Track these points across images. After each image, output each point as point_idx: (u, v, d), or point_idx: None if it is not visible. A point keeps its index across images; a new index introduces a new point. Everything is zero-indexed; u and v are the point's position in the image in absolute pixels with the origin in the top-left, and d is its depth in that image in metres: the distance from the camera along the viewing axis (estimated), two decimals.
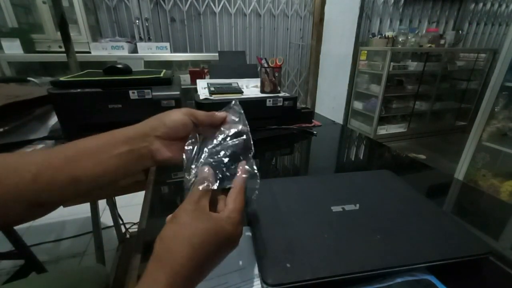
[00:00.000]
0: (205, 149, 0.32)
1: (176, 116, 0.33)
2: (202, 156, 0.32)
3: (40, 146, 0.63)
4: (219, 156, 0.31)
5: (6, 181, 0.25)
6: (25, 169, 0.26)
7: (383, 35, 2.63)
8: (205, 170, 0.29)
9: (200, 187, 0.27)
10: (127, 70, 0.73)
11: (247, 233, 0.38)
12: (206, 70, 1.91)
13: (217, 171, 0.30)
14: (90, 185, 0.29)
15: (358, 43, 2.64)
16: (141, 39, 2.09)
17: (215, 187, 0.28)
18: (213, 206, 0.28)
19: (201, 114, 0.35)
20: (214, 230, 0.25)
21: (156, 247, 0.23)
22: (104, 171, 0.29)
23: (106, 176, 0.30)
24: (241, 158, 0.32)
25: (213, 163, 0.31)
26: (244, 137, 0.34)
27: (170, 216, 0.26)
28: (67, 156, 0.28)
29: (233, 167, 0.31)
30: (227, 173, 0.30)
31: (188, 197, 0.27)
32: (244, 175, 0.30)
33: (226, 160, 0.31)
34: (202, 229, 0.24)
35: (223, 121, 0.37)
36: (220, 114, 0.38)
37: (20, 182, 0.25)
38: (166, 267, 0.22)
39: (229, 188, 0.29)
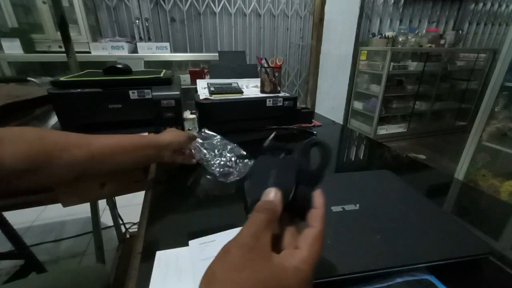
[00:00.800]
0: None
1: (183, 137, 0.54)
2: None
3: None
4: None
5: (77, 153, 0.40)
6: (88, 148, 0.41)
7: (383, 35, 2.63)
8: (272, 193, 0.23)
9: (264, 215, 0.21)
10: (127, 70, 0.73)
11: None
12: (206, 70, 1.91)
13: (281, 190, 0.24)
14: (123, 169, 0.53)
15: (358, 43, 2.65)
16: (141, 39, 2.09)
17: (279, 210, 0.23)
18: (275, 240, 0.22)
19: (192, 134, 0.58)
20: (274, 282, 0.19)
21: (202, 283, 0.19)
22: (133, 164, 0.49)
23: (133, 166, 0.51)
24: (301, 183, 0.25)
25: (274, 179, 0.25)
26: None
27: (224, 247, 0.20)
28: (113, 149, 0.44)
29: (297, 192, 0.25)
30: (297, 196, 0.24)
31: (247, 225, 0.21)
32: (322, 209, 0.24)
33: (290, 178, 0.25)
34: (258, 281, 0.18)
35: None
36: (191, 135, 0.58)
37: (83, 156, 0.40)
38: None
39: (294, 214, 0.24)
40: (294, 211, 0.25)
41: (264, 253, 0.20)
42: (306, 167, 0.26)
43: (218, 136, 0.61)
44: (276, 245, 0.22)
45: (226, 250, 0.20)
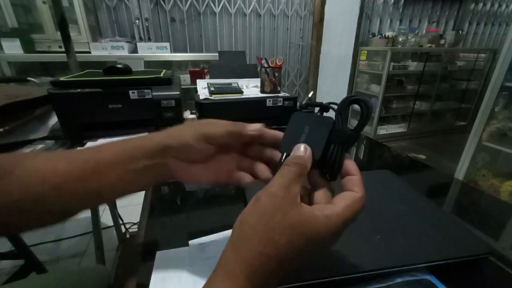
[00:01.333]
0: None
1: (185, 140, 0.28)
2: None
3: (40, 146, 0.63)
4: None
5: (32, 189, 0.24)
6: (50, 179, 0.25)
7: (383, 35, 2.63)
8: (301, 149, 0.24)
9: (294, 168, 0.22)
10: (127, 70, 0.73)
11: None
12: (206, 70, 1.91)
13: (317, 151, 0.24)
14: (109, 196, 0.28)
15: (358, 43, 2.64)
16: (141, 39, 2.09)
17: (308, 166, 0.23)
18: (305, 193, 0.24)
19: (218, 134, 0.28)
20: (304, 228, 0.20)
21: (235, 231, 0.21)
22: (124, 184, 0.28)
23: (126, 189, 0.28)
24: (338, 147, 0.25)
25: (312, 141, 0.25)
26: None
27: (255, 196, 0.21)
28: (88, 168, 0.26)
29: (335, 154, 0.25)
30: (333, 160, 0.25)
31: (277, 177, 0.22)
32: (359, 176, 0.25)
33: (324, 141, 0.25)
34: (288, 225, 0.20)
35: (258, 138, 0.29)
36: (252, 127, 0.29)
37: (45, 191, 0.24)
38: (243, 261, 0.19)
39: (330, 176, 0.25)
40: (324, 169, 0.25)
41: (294, 201, 0.21)
42: (340, 126, 0.25)
43: None
44: (305, 200, 0.23)
45: (256, 198, 0.21)
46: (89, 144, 0.67)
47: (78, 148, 0.38)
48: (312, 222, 0.20)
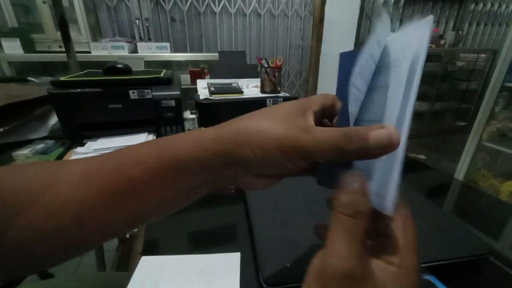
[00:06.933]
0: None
1: (268, 151, 0.17)
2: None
3: (40, 146, 0.63)
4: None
5: (48, 229, 0.17)
6: (66, 211, 0.18)
7: None
8: (357, 183, 0.16)
9: (362, 223, 0.16)
10: (127, 70, 0.73)
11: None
12: (206, 70, 1.91)
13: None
14: (149, 221, 0.22)
15: (358, 43, 2.64)
16: (141, 39, 2.09)
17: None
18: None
19: (321, 151, 0.17)
20: None
21: None
22: (170, 208, 0.21)
23: (171, 211, 0.22)
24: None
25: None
26: None
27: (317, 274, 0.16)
28: (122, 193, 0.18)
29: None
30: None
31: (342, 239, 0.15)
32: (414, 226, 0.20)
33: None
34: None
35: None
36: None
37: (59, 229, 0.18)
38: None
39: None
40: None
41: (373, 282, 0.16)
42: None
43: None
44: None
45: (323, 281, 0.15)
46: (89, 144, 0.67)
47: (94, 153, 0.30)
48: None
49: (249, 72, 0.95)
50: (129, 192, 0.19)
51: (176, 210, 0.22)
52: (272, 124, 0.18)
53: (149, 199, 0.19)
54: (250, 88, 0.89)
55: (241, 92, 0.82)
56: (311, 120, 0.19)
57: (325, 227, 0.21)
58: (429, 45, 2.41)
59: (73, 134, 0.68)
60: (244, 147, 0.17)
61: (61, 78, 0.65)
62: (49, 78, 1.65)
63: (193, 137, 0.19)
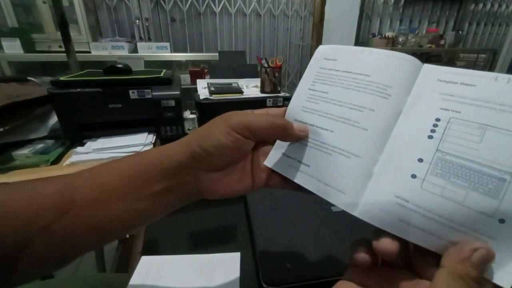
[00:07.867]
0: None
1: (216, 139, 0.21)
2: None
3: (40, 146, 0.63)
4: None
5: (15, 236, 0.18)
6: (37, 219, 0.18)
7: (383, 36, 2.63)
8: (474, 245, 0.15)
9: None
10: (127, 70, 0.73)
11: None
12: (206, 70, 1.91)
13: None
14: (117, 233, 0.22)
15: (358, 43, 2.64)
16: (141, 39, 2.09)
17: None
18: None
19: (261, 124, 0.22)
20: None
21: None
22: (136, 215, 0.21)
23: (138, 220, 0.22)
24: None
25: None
26: None
27: None
28: (89, 199, 0.20)
29: None
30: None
31: None
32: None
33: None
34: None
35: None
36: (301, 128, 0.23)
37: (31, 234, 0.18)
38: None
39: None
40: None
41: None
42: None
43: None
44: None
45: None
46: (89, 143, 0.67)
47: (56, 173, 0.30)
48: None
49: (249, 72, 0.95)
50: (99, 200, 0.20)
51: (140, 225, 0.24)
52: (219, 121, 0.22)
53: (111, 209, 0.20)
54: (250, 88, 0.89)
55: (241, 92, 0.82)
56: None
57: (369, 249, 0.19)
58: (429, 45, 2.39)
59: (73, 134, 0.68)
60: (195, 144, 0.21)
61: (61, 78, 0.65)
62: (49, 78, 1.65)
63: (165, 146, 0.22)
